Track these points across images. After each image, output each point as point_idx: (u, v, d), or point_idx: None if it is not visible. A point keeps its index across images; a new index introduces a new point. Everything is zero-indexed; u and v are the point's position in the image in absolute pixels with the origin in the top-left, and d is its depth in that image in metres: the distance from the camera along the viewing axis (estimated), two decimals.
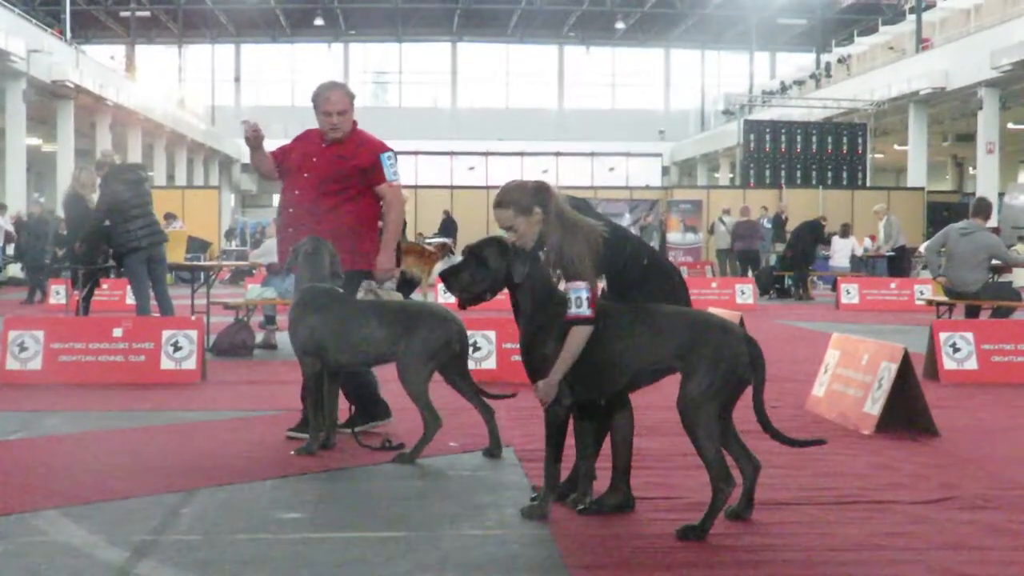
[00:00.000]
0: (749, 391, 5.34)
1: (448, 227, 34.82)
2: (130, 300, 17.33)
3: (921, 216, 36.65)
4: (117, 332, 10.66)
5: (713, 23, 59.17)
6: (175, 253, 14.06)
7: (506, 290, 5.47)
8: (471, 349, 9.41)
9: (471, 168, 40.57)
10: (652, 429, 7.70)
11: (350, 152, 7.62)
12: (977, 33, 34.90)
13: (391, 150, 7.75)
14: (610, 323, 5.36)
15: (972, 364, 10.88)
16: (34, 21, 35.20)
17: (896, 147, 47.54)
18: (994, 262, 13.79)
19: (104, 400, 9.43)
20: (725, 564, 4.78)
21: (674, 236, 35.48)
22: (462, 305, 5.52)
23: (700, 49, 65.66)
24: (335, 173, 7.57)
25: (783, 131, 40.31)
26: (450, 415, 7.43)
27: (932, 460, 7.06)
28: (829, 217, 30.06)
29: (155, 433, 7.99)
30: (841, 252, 27.58)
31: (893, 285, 23.83)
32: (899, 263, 27.72)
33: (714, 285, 24.20)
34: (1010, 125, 39.94)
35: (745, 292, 23.26)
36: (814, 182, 38.86)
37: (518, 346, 5.62)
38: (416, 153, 40.66)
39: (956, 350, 10.90)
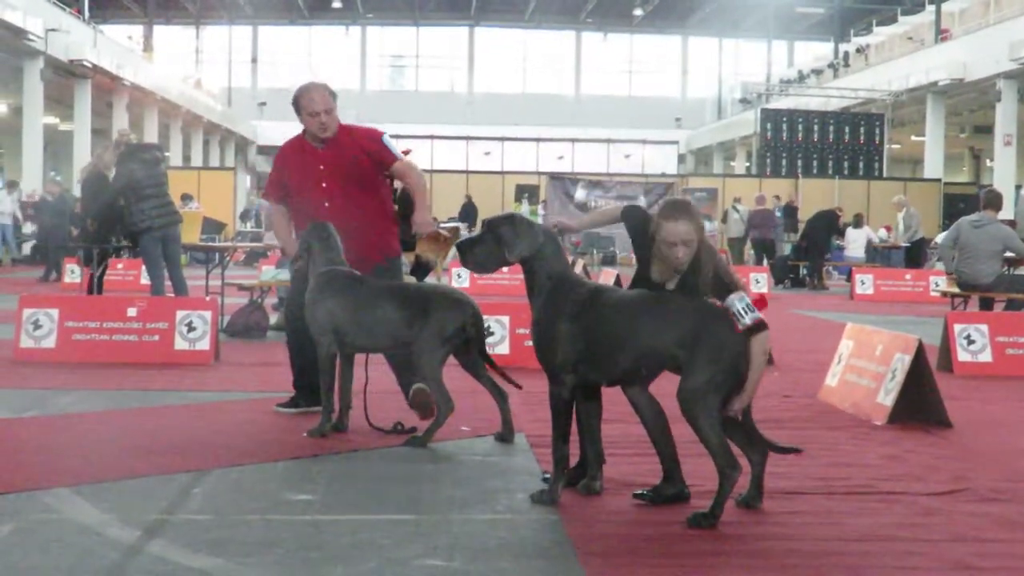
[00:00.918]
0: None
1: (468, 212, 34.82)
2: (144, 280, 17.37)
3: (937, 208, 36.56)
4: (131, 311, 10.68)
5: (731, 11, 58.92)
6: (190, 234, 14.06)
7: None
8: None
9: (487, 153, 40.53)
10: None
11: (350, 144, 7.58)
12: (997, 24, 34.75)
13: (384, 131, 7.80)
14: (618, 306, 5.37)
15: (986, 356, 10.86)
16: (52, 0, 35.22)
17: (913, 138, 47.40)
18: (1008, 254, 13.74)
19: (117, 379, 9.45)
20: (734, 553, 4.77)
21: None
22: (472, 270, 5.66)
23: (718, 37, 65.44)
24: (350, 170, 7.52)
25: (800, 120, 40.23)
26: (462, 398, 7.42)
27: (944, 452, 7.05)
28: (844, 207, 29.96)
29: (168, 413, 8.01)
30: (856, 242, 27.49)
31: (908, 276, 23.77)
32: (915, 255, 27.66)
33: None
34: None
35: (760, 281, 23.20)
36: (830, 172, 38.78)
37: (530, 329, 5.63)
38: (432, 137, 40.68)
39: (971, 342, 10.88)
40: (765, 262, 28.28)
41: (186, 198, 27.50)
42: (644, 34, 65.24)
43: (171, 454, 6.51)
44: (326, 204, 7.49)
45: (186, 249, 14.55)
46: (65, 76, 35.28)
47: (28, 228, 30.72)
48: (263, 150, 61.98)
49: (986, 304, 13.65)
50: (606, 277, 17.87)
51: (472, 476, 6.16)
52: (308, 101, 7.49)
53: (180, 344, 10.56)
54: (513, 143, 41.35)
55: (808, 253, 26.44)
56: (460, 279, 21.10)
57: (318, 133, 7.54)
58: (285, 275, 13.23)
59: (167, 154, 37.69)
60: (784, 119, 40.50)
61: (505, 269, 22.63)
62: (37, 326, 10.51)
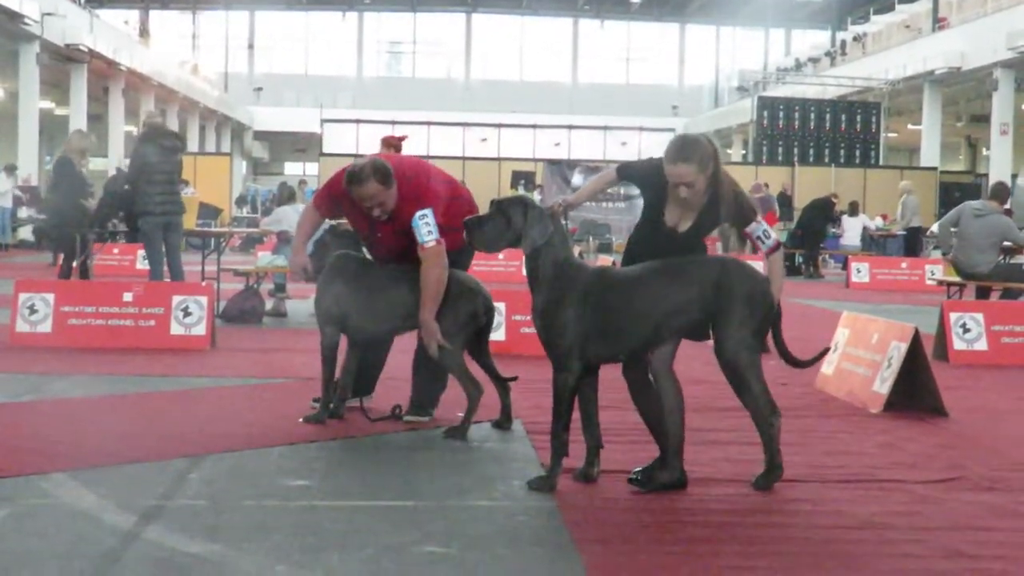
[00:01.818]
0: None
1: None
2: (140, 265, 17.38)
3: (934, 196, 36.51)
4: (127, 296, 10.66)
5: None
6: (186, 219, 14.05)
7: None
8: None
9: (483, 140, 40.42)
10: None
11: (399, 217, 6.94)
12: (994, 14, 34.65)
13: (428, 207, 6.86)
14: (627, 280, 5.42)
15: (982, 345, 10.87)
16: None
17: (910, 127, 47.36)
18: (1006, 244, 13.76)
19: (113, 364, 9.45)
20: (731, 540, 4.78)
21: None
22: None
23: (715, 25, 65.37)
24: (400, 243, 7.01)
25: (797, 108, 40.15)
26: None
27: (940, 440, 7.06)
28: (841, 196, 29.93)
29: (164, 399, 8.01)
30: (852, 230, 27.46)
31: (904, 265, 23.77)
32: (912, 243, 27.65)
33: None
34: None
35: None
36: (827, 160, 38.72)
37: (530, 315, 5.62)
38: (428, 124, 40.61)
39: (966, 331, 10.88)
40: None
41: (182, 183, 27.44)
42: (641, 22, 65.16)
43: (167, 440, 6.51)
44: (384, 249, 7.19)
45: (183, 234, 14.53)
46: (61, 61, 35.16)
47: (24, 212, 30.65)
48: (259, 135, 61.98)
49: (982, 293, 13.67)
50: (603, 264, 17.84)
51: (469, 463, 6.16)
52: (359, 197, 6.86)
53: (176, 329, 10.56)
54: (510, 130, 41.24)
55: (804, 241, 26.42)
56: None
57: (372, 216, 7.01)
58: (281, 261, 13.25)
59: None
60: (781, 107, 40.42)
61: (501, 256, 22.55)
62: (33, 311, 10.49)
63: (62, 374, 8.90)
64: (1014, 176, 32.70)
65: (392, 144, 9.04)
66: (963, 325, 10.90)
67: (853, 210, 27.73)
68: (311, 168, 53.46)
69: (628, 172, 5.81)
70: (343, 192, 7.01)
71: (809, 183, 33.49)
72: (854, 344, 8.76)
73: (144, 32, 50.70)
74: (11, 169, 29.72)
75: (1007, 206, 22.45)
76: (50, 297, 10.59)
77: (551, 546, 4.69)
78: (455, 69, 65.66)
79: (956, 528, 5.03)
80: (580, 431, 5.67)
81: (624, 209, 33.11)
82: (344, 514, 5.03)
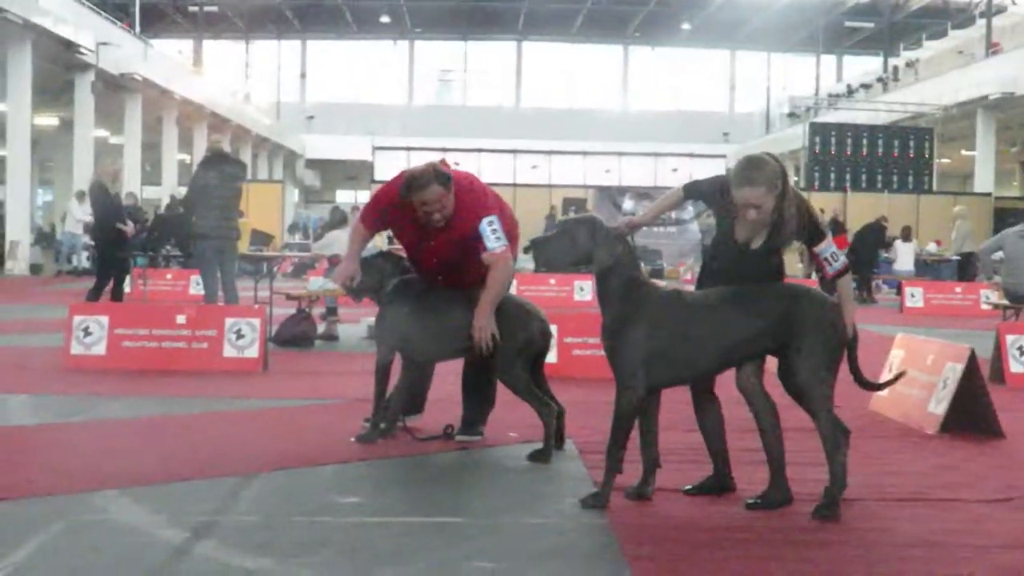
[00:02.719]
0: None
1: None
2: (192, 291, 17.47)
3: (988, 221, 36.22)
4: (180, 319, 10.73)
5: (779, 25, 58.71)
6: (239, 245, 14.15)
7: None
8: None
9: (534, 167, 40.44)
10: None
11: (458, 224, 6.89)
12: None
13: (493, 213, 6.89)
14: (698, 303, 5.42)
15: None
16: (103, 14, 35.52)
17: (963, 152, 47.06)
18: None
19: (166, 386, 9.51)
20: (784, 558, 4.73)
21: None
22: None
23: (766, 51, 65.27)
24: (452, 254, 6.99)
25: (849, 134, 39.95)
26: (510, 406, 7.42)
27: (996, 461, 6.98)
28: (893, 222, 29.75)
29: (215, 419, 8.05)
30: (905, 256, 27.29)
31: (958, 289, 23.55)
32: (965, 268, 27.42)
33: None
34: None
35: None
36: (879, 186, 38.51)
37: (600, 336, 5.60)
38: (479, 151, 40.70)
39: (1023, 353, 10.76)
40: (814, 275, 28.07)
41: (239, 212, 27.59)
42: (692, 48, 65.16)
43: (219, 458, 6.54)
44: (433, 260, 7.12)
45: None
46: (115, 90, 35.53)
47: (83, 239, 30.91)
48: (311, 163, 62.36)
49: None
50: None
51: (520, 481, 6.15)
52: (420, 202, 6.76)
53: (229, 352, 10.62)
54: (560, 156, 41.23)
55: (856, 266, 26.23)
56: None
57: (430, 224, 6.93)
58: (333, 285, 13.28)
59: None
60: (833, 133, 40.22)
61: (552, 280, 22.48)
62: (87, 333, 10.58)
63: (115, 395, 8.96)
64: None
65: None
66: (1020, 347, 10.77)
67: (906, 236, 27.55)
68: (362, 196, 53.68)
69: (695, 190, 5.81)
70: (390, 203, 7.02)
71: (861, 209, 33.27)
72: (909, 365, 8.66)
73: (197, 61, 51.18)
74: (81, 195, 29.97)
75: None
76: (104, 320, 10.68)
77: (602, 562, 4.67)
78: (505, 96, 65.87)
79: (1013, 547, 4.96)
80: (637, 449, 5.64)
81: (675, 234, 33.04)
82: (395, 530, 5.03)
